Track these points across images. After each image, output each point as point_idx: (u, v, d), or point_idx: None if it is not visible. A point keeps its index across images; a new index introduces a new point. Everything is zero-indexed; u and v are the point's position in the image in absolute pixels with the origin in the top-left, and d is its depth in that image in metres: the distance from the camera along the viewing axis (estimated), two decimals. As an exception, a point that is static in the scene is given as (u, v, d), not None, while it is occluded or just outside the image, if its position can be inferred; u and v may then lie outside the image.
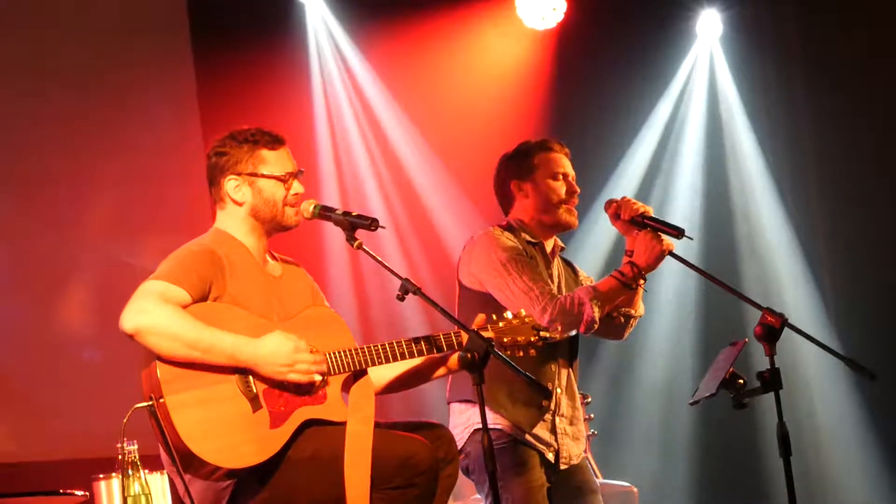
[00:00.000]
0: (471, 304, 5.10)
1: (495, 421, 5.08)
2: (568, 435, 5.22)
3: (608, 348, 8.94)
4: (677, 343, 9.49)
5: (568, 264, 5.47)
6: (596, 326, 5.02)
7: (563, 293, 5.20)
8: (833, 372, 9.27)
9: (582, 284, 5.38)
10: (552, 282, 5.24)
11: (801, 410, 9.35)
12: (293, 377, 4.33)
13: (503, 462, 5.04)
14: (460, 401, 5.21)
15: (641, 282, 5.07)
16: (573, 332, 5.13)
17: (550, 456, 5.16)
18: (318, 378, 4.37)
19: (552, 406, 5.16)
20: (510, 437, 5.10)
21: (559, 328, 4.92)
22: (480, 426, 4.98)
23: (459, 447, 5.02)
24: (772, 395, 4.68)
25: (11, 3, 7.82)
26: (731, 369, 4.77)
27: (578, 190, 5.30)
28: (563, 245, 5.41)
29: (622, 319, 5.28)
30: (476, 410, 5.03)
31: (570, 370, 5.28)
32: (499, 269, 5.06)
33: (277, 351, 4.31)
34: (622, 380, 9.42)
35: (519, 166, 5.30)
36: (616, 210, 5.08)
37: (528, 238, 5.24)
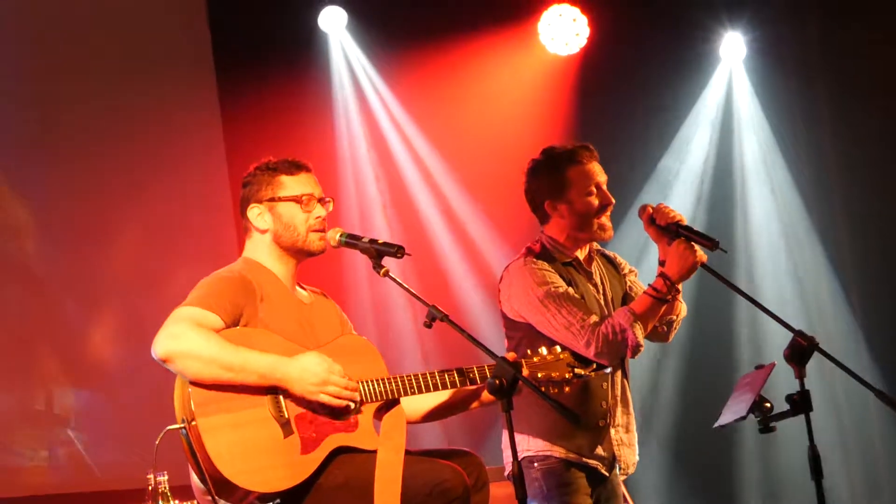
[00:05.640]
0: (517, 333, 5.12)
1: (546, 448, 5.08)
2: (624, 444, 5.20)
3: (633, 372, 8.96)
4: (702, 364, 9.46)
5: (609, 260, 5.39)
6: (641, 349, 4.97)
7: (610, 298, 5.20)
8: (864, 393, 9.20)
9: (625, 276, 5.34)
10: (597, 291, 5.21)
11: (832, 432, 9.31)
12: (323, 398, 4.34)
13: (550, 483, 5.06)
14: (515, 430, 5.17)
15: (676, 292, 4.99)
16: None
17: (604, 470, 5.14)
18: (350, 405, 4.38)
19: (608, 420, 5.14)
20: (562, 461, 5.08)
21: (606, 360, 4.92)
22: (530, 453, 5.04)
23: (507, 472, 5.09)
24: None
25: (35, 37, 7.87)
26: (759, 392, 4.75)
27: (613, 201, 5.19)
28: (598, 247, 5.34)
29: (664, 328, 5.23)
30: (526, 439, 5.05)
31: (624, 376, 5.23)
32: (537, 305, 5.02)
33: (310, 370, 4.33)
34: (649, 398, 9.39)
35: (552, 183, 5.20)
36: (650, 216, 5.01)
37: (563, 259, 5.19)
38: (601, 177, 5.20)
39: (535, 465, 5.09)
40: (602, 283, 5.27)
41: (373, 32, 9.14)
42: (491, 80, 9.37)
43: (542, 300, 5.01)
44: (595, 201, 5.15)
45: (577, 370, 4.70)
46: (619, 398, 5.20)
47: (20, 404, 7.56)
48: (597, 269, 5.29)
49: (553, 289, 5.02)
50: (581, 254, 5.24)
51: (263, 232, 4.63)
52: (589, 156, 5.23)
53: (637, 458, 5.29)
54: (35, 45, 7.85)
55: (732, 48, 9.74)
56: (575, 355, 4.80)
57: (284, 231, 4.62)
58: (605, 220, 5.17)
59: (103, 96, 7.96)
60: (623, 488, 5.35)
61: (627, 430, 5.23)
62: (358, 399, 4.40)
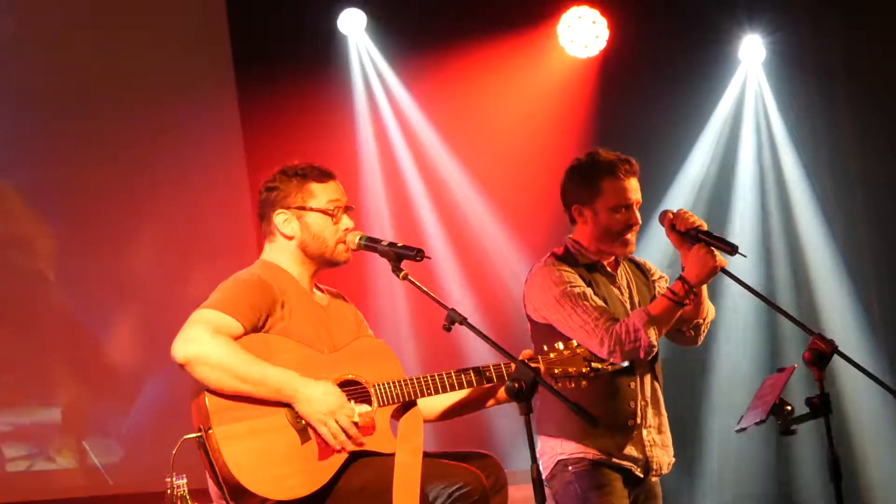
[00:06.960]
0: (541, 334, 5.13)
1: (579, 450, 5.11)
2: (657, 445, 5.22)
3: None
4: (724, 366, 9.44)
5: (637, 266, 5.42)
6: (655, 350, 5.01)
7: (637, 302, 5.23)
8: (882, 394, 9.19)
9: (654, 283, 5.37)
10: (621, 294, 5.23)
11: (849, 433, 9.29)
12: (323, 430, 4.31)
13: (585, 485, 5.09)
14: (548, 435, 5.20)
15: (693, 296, 4.99)
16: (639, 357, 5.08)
17: (639, 471, 5.16)
18: (347, 446, 4.35)
19: (638, 421, 5.15)
20: (594, 461, 5.10)
21: (618, 358, 4.92)
22: (564, 456, 5.05)
23: (545, 476, 5.09)
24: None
25: (51, 44, 7.89)
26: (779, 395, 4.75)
27: (639, 222, 5.21)
28: None
29: (692, 332, 5.25)
30: (559, 442, 5.07)
31: (654, 378, 5.25)
32: (554, 304, 5.06)
33: (324, 399, 4.32)
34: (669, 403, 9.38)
35: (583, 189, 5.23)
36: (671, 221, 5.02)
37: (586, 261, 5.21)
38: (634, 195, 5.22)
39: (570, 468, 5.10)
40: (629, 287, 5.29)
41: (392, 35, 9.14)
42: (510, 82, 9.36)
43: (559, 299, 5.05)
44: (620, 219, 5.18)
45: (593, 364, 4.72)
46: (649, 399, 5.21)
47: (42, 411, 7.59)
48: (623, 273, 5.31)
49: (570, 288, 5.06)
50: (606, 259, 5.26)
51: (289, 238, 4.62)
52: (628, 171, 5.22)
53: (672, 458, 5.29)
54: (51, 51, 7.85)
55: (752, 51, 9.71)
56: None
57: (312, 241, 4.61)
58: (628, 236, 5.19)
59: (120, 100, 7.97)
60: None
61: (660, 431, 5.25)
62: (355, 448, 4.36)
